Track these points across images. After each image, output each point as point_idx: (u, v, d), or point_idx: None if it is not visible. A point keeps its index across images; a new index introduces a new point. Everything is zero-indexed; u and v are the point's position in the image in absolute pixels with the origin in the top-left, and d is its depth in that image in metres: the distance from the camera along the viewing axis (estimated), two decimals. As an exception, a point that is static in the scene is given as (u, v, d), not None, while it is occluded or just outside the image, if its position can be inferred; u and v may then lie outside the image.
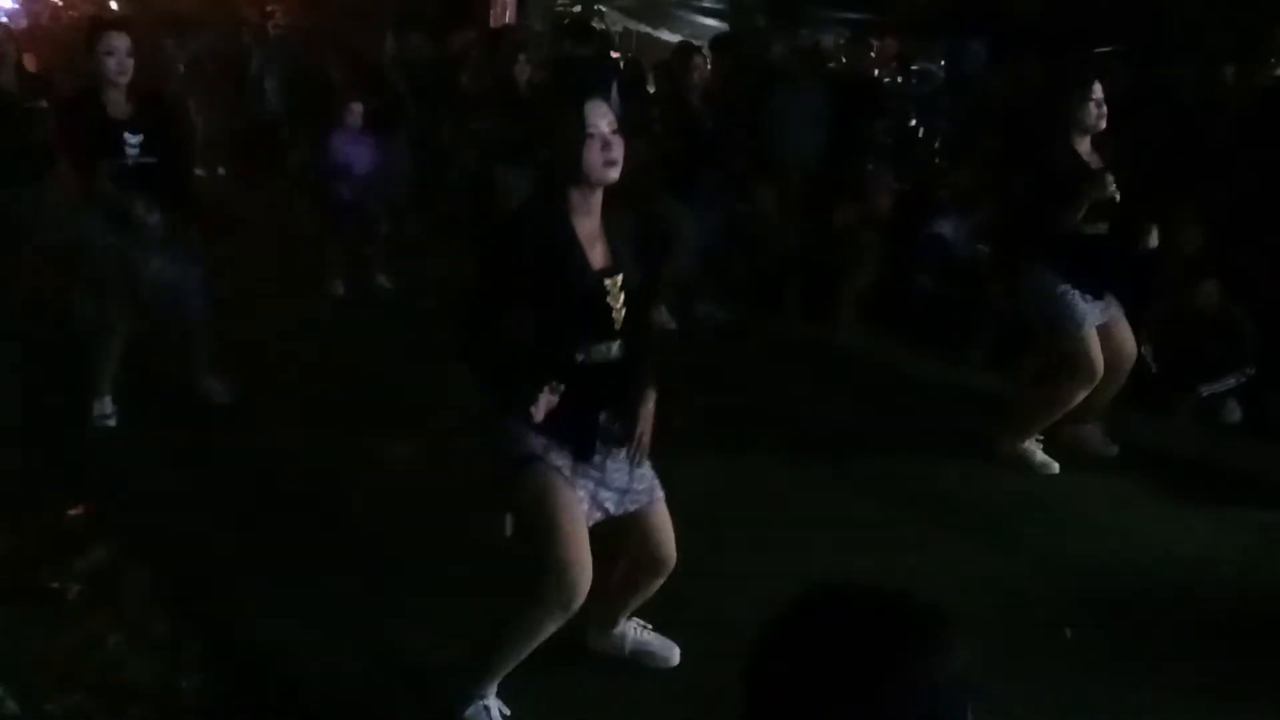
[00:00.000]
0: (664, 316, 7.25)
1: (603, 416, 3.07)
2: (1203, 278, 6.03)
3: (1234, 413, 5.93)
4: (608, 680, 3.47)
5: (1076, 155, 4.95)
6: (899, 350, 7.00)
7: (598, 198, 3.02)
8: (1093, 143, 5.00)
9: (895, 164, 8.05)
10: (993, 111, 7.89)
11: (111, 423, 5.36)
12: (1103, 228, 4.98)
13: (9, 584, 3.85)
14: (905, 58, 10.54)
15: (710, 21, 14.74)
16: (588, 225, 3.01)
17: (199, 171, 11.76)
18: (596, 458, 3.07)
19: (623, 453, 3.12)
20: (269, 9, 14.23)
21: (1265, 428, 5.82)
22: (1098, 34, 8.57)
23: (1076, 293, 5.00)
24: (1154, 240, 5.19)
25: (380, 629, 3.72)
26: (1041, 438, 5.29)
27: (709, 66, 8.52)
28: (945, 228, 7.32)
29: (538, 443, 2.98)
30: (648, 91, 9.57)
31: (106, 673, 3.42)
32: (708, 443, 5.41)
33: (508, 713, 3.22)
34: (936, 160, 9.08)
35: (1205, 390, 5.93)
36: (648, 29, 15.91)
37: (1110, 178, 4.85)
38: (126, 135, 5.11)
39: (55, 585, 3.83)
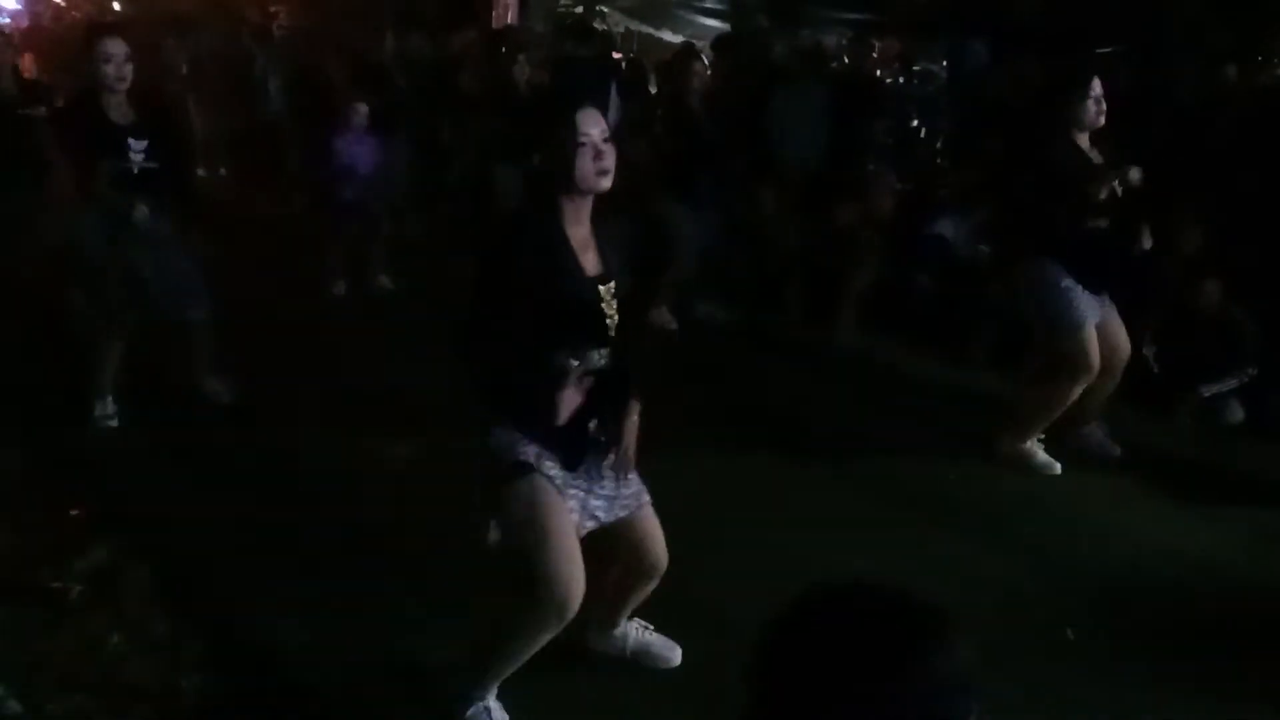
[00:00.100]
0: (665, 317, 7.26)
1: (592, 424, 3.07)
2: (1204, 278, 6.03)
3: (1236, 413, 5.93)
4: (608, 680, 3.47)
5: (1079, 151, 4.95)
6: (899, 350, 7.00)
7: (588, 205, 3.02)
8: (1091, 140, 5.00)
9: (896, 164, 8.05)
10: (993, 112, 7.88)
11: (113, 422, 5.37)
12: (1103, 224, 4.98)
13: (10, 584, 3.86)
14: (907, 58, 10.54)
15: (712, 22, 14.73)
16: (579, 232, 3.02)
17: (201, 172, 11.79)
18: (585, 466, 3.08)
19: (607, 460, 3.13)
20: (272, 9, 14.25)
21: (1267, 428, 5.81)
22: (1098, 34, 8.55)
23: (1079, 289, 5.00)
24: (1147, 240, 5.19)
25: (380, 629, 3.72)
26: (1043, 437, 5.29)
27: (709, 68, 8.53)
28: (946, 228, 7.32)
29: (530, 450, 2.98)
30: (649, 92, 9.57)
31: (107, 673, 3.43)
32: (708, 443, 5.42)
33: (508, 714, 3.21)
34: (938, 160, 9.08)
35: (1207, 391, 5.92)
36: (649, 29, 15.91)
37: (1112, 174, 4.86)
38: (131, 141, 5.12)
39: (56, 585, 3.84)
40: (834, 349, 7.10)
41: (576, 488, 3.07)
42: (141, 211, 5.10)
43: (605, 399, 3.08)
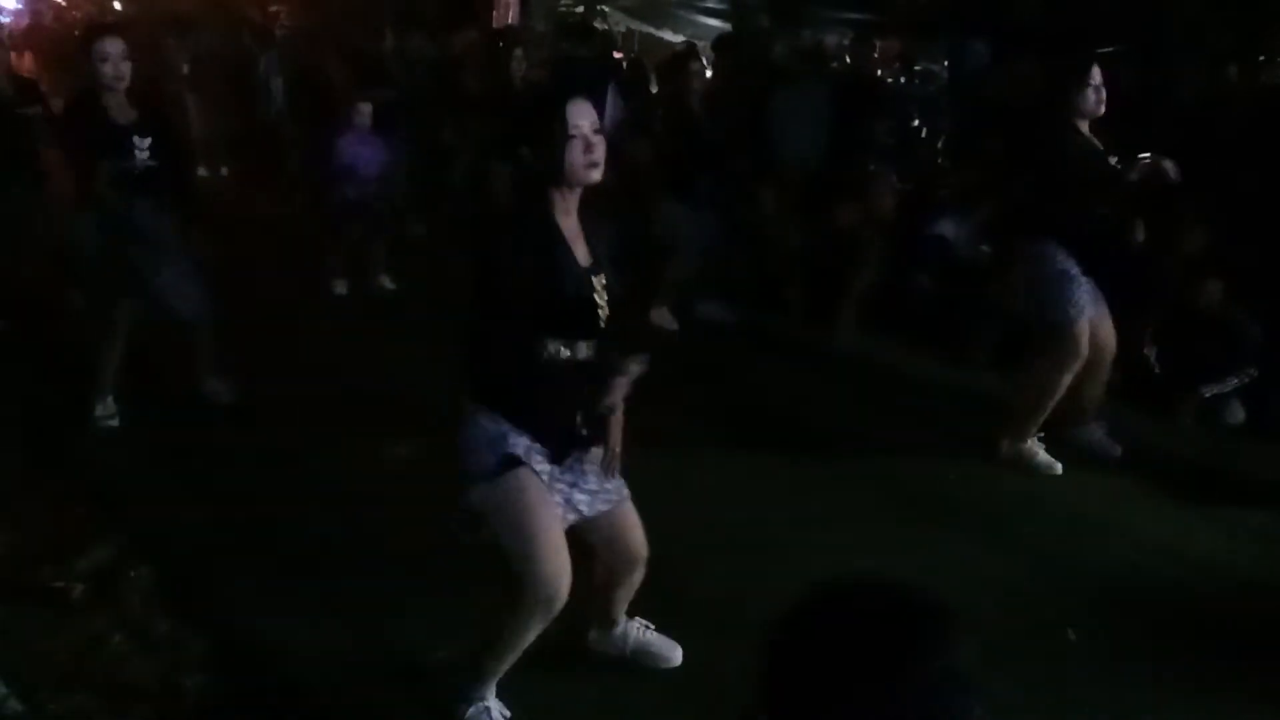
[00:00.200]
0: (665, 317, 7.26)
1: (579, 418, 3.08)
2: (1205, 278, 6.02)
3: (1237, 414, 5.93)
4: (609, 681, 3.47)
5: (1083, 135, 4.95)
6: (900, 350, 7.00)
7: (578, 197, 3.03)
8: (1090, 130, 5.00)
9: (897, 164, 8.05)
10: (994, 112, 7.88)
11: (114, 422, 5.37)
12: (1104, 211, 5.00)
13: (11, 583, 3.86)
14: (908, 58, 10.54)
15: (713, 22, 14.74)
16: (569, 224, 3.02)
17: (202, 172, 11.80)
18: (570, 461, 3.09)
19: (592, 455, 3.14)
20: (274, 9, 14.25)
21: (1268, 429, 5.81)
22: (1099, 34, 8.55)
23: (1081, 279, 5.00)
24: (1140, 233, 5.20)
25: (380, 629, 3.72)
26: (1043, 436, 5.29)
27: (709, 68, 8.53)
28: (946, 228, 7.32)
29: (520, 444, 2.98)
30: (650, 92, 9.57)
31: (109, 672, 3.43)
32: (708, 443, 5.43)
33: (508, 714, 3.22)
34: (939, 161, 9.08)
35: (1208, 391, 5.92)
36: (650, 29, 15.92)
37: (1115, 159, 4.88)
38: (134, 139, 5.13)
39: (58, 585, 3.84)
40: (834, 349, 7.10)
41: (563, 482, 3.09)
42: (144, 211, 5.11)
43: (596, 390, 3.08)
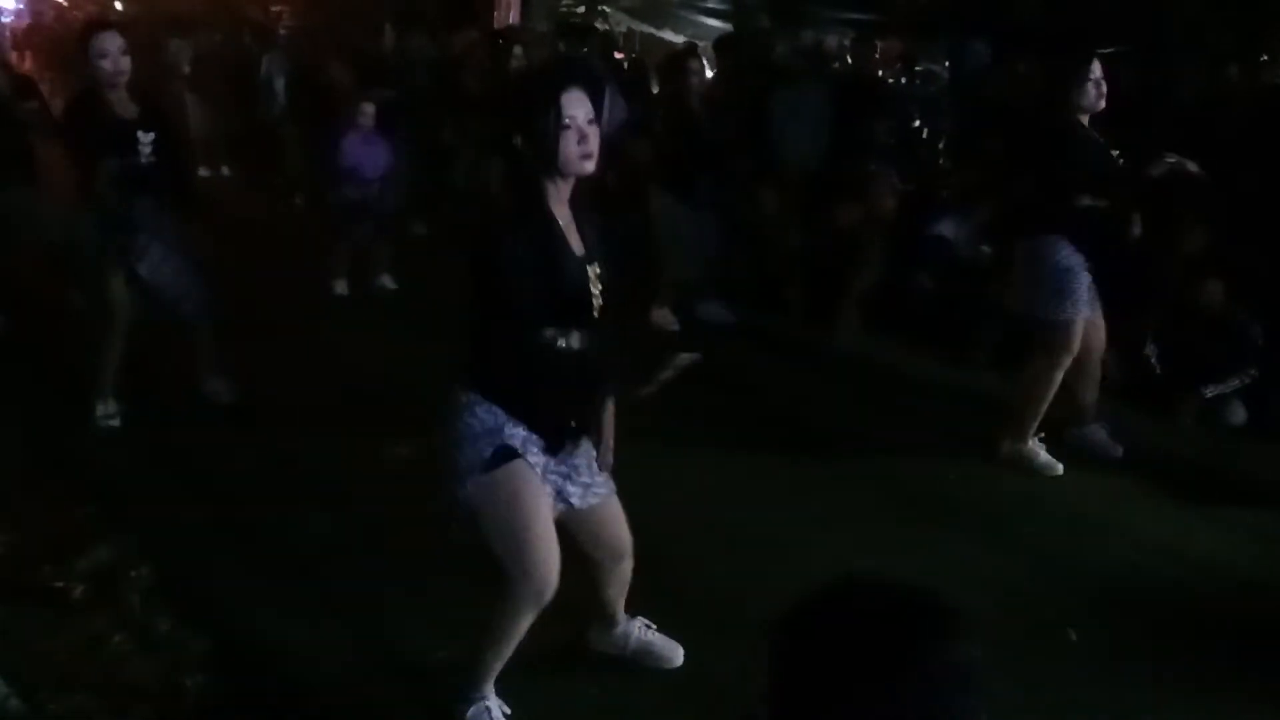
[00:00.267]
0: (666, 318, 7.26)
1: (575, 407, 3.09)
2: (1207, 278, 6.02)
3: (1238, 414, 5.92)
4: (609, 681, 3.47)
5: (1085, 130, 4.95)
6: (901, 351, 6.99)
7: (570, 187, 3.01)
8: (1092, 126, 5.00)
9: (898, 164, 8.05)
10: (995, 112, 7.89)
11: (115, 423, 5.37)
12: (1104, 203, 5.01)
13: (12, 583, 3.86)
14: (909, 58, 10.55)
15: (714, 22, 14.77)
16: (562, 214, 3.01)
17: (204, 172, 11.81)
18: (563, 454, 3.09)
19: (584, 447, 3.15)
20: (276, 9, 14.27)
21: (1269, 429, 5.80)
22: (1099, 35, 8.56)
23: (1083, 276, 5.00)
24: (1137, 227, 5.20)
25: (380, 629, 3.72)
26: (1044, 436, 5.29)
27: (709, 67, 8.53)
28: (947, 228, 7.32)
29: (517, 434, 2.98)
30: (651, 92, 9.58)
31: (109, 672, 3.43)
32: (708, 443, 5.43)
33: (508, 711, 3.22)
34: (940, 161, 9.08)
35: (1209, 392, 5.91)
36: (651, 29, 15.94)
37: (1116, 153, 4.89)
38: (139, 134, 5.13)
39: (58, 584, 3.84)
40: (835, 349, 7.10)
41: (556, 474, 3.10)
42: (147, 208, 5.12)
43: (590, 381, 3.10)
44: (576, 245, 3.02)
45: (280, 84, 11.71)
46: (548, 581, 3.01)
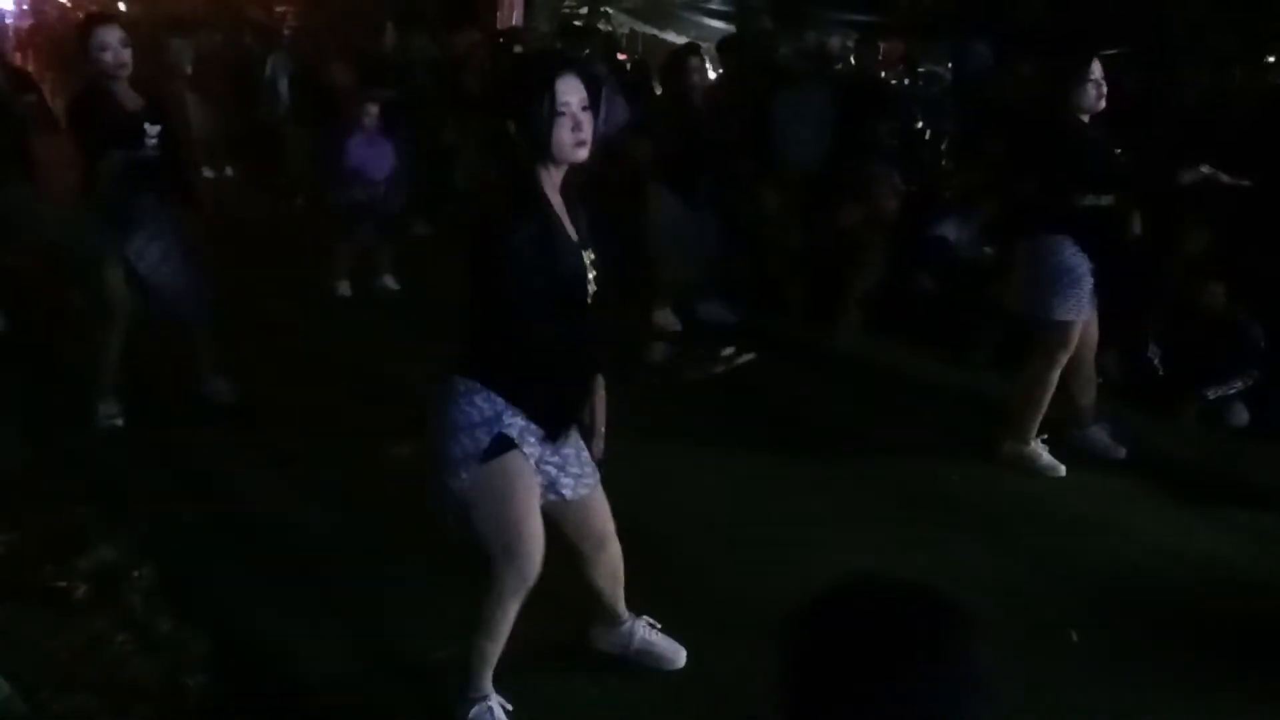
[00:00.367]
0: (668, 318, 7.26)
1: (572, 394, 3.11)
2: (1208, 280, 6.02)
3: (1239, 416, 5.91)
4: (610, 681, 3.47)
5: (1086, 129, 4.94)
6: (902, 351, 6.99)
7: (562, 174, 3.00)
8: (1093, 124, 5.00)
9: (900, 165, 8.05)
10: (997, 113, 7.89)
11: (117, 422, 5.38)
12: (1107, 201, 5.01)
13: (13, 583, 3.87)
14: (911, 60, 10.55)
15: (716, 23, 14.77)
16: (556, 202, 3.00)
17: (207, 172, 11.82)
18: (558, 444, 3.10)
19: (574, 437, 3.16)
20: (280, 9, 14.27)
21: (1270, 431, 5.80)
22: (1101, 35, 8.56)
23: (1087, 279, 5.01)
24: (1136, 225, 5.20)
25: (380, 629, 3.73)
26: (1046, 438, 5.29)
27: (710, 67, 8.53)
28: (948, 229, 7.32)
29: (514, 425, 2.98)
30: (653, 93, 9.58)
31: (110, 672, 3.43)
32: (708, 442, 5.43)
33: (510, 708, 3.22)
34: (943, 162, 9.08)
35: (1211, 393, 5.91)
36: (654, 31, 15.95)
37: (1117, 150, 4.90)
38: (146, 126, 5.14)
39: (59, 584, 3.84)
40: (836, 349, 7.10)
41: (550, 465, 3.11)
42: (152, 203, 5.12)
43: (582, 369, 3.11)
44: (571, 232, 3.02)
45: (284, 84, 11.72)
46: (532, 570, 3.05)
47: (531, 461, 3.03)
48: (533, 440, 3.02)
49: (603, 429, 3.23)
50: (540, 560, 3.05)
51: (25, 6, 19.57)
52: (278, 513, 4.58)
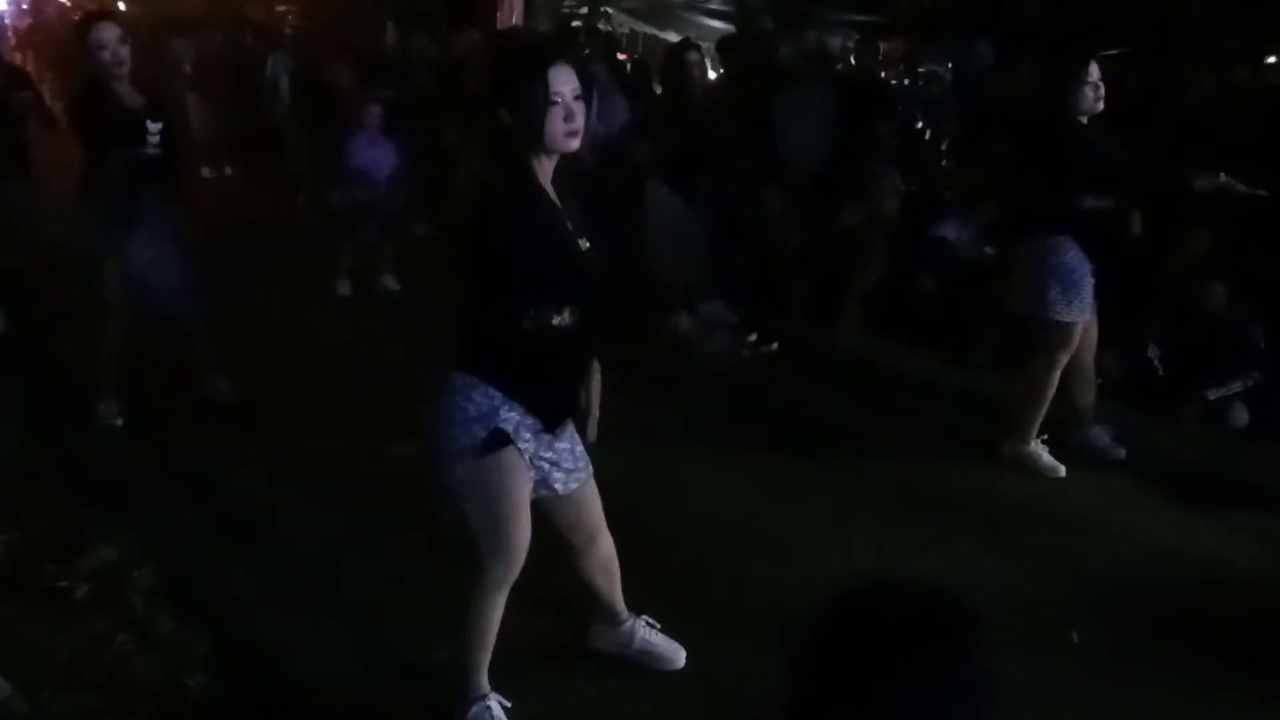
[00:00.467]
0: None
1: (570, 383, 3.12)
2: (1209, 280, 6.02)
3: (1240, 417, 5.91)
4: (609, 681, 3.47)
5: (1085, 131, 4.94)
6: (903, 352, 6.99)
7: (554, 164, 2.98)
8: (1095, 125, 5.00)
9: (901, 166, 8.05)
10: (997, 113, 7.89)
11: (118, 422, 5.38)
12: (1107, 203, 5.01)
13: (14, 583, 3.87)
14: (912, 60, 10.55)
15: (717, 23, 14.76)
16: (550, 191, 2.99)
17: (206, 172, 11.82)
18: (550, 435, 3.09)
19: (569, 431, 3.16)
20: (283, 10, 14.27)
21: (1271, 432, 5.80)
22: (1103, 35, 8.56)
23: (1089, 281, 5.01)
24: (1137, 225, 5.20)
25: (380, 629, 3.73)
26: (1047, 438, 5.29)
27: (707, 64, 8.53)
28: (949, 230, 7.32)
29: (510, 419, 2.98)
30: (653, 93, 9.58)
31: (111, 671, 3.43)
32: (709, 442, 5.44)
33: (508, 704, 3.23)
34: (943, 162, 9.09)
35: (1211, 394, 5.91)
36: (654, 31, 15.93)
37: (1120, 151, 4.92)
38: (148, 124, 5.13)
39: (61, 584, 3.84)
40: (837, 349, 7.10)
41: (544, 460, 3.11)
42: (153, 199, 5.13)
43: (579, 358, 3.12)
44: (567, 222, 3.01)
45: (285, 84, 11.71)
46: (517, 563, 3.08)
47: (526, 457, 3.03)
48: (528, 436, 3.02)
49: (597, 411, 3.23)
50: (524, 554, 3.07)
51: (25, 6, 19.56)
52: (278, 513, 4.59)
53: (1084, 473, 5.20)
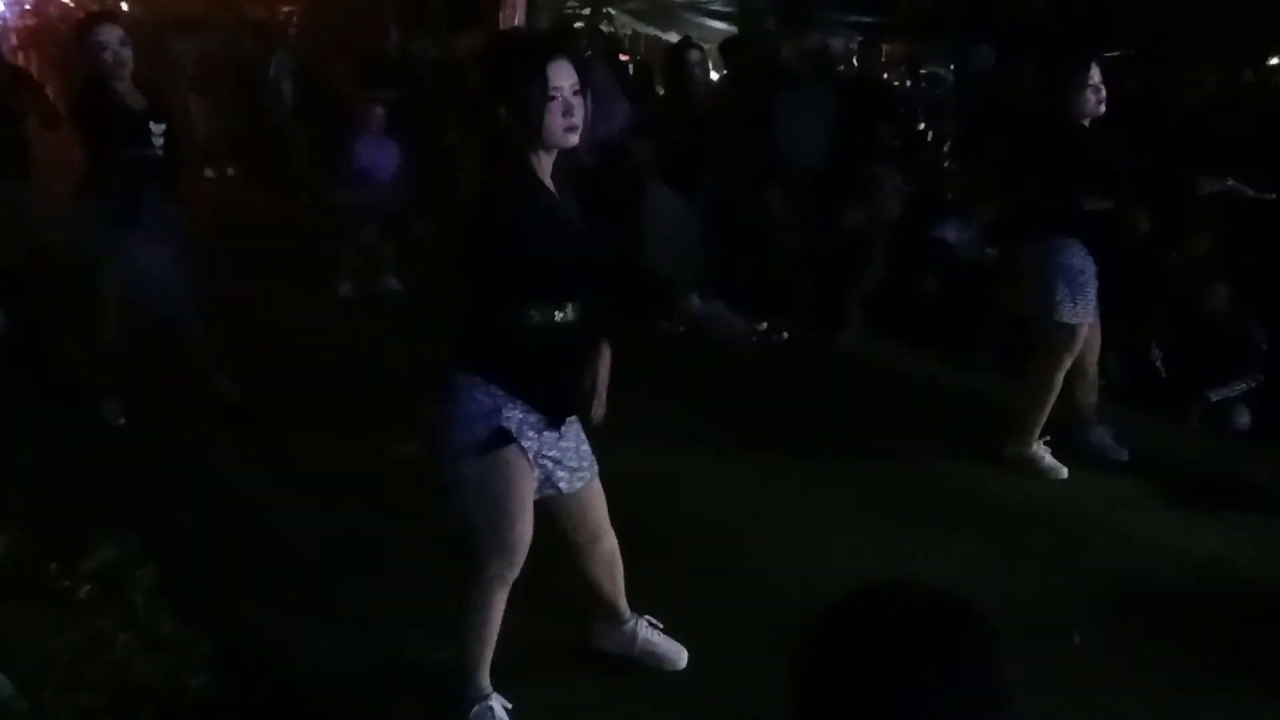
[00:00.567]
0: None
1: (569, 381, 3.11)
2: (1212, 282, 6.02)
3: (1242, 418, 5.91)
4: (610, 681, 3.48)
5: (1087, 132, 4.94)
6: (904, 352, 7.00)
7: (553, 159, 2.98)
8: (1099, 125, 5.00)
9: (903, 166, 8.05)
10: (999, 114, 7.89)
11: (120, 421, 5.38)
12: (1107, 204, 5.01)
13: (16, 583, 3.87)
14: (914, 61, 10.55)
15: (719, 24, 14.74)
16: (549, 186, 2.99)
17: (208, 173, 11.82)
18: (553, 433, 3.08)
19: (574, 429, 3.16)
20: (286, 10, 14.26)
21: (1272, 434, 5.79)
22: (1105, 37, 8.56)
23: (1093, 283, 5.01)
24: (1144, 223, 5.20)
25: (381, 629, 3.73)
26: (1049, 439, 5.28)
27: (709, 63, 8.54)
28: (949, 231, 7.32)
29: (512, 418, 2.97)
30: (656, 94, 9.59)
31: (113, 672, 3.43)
32: (709, 443, 5.44)
33: (509, 706, 3.22)
34: (945, 163, 9.08)
35: (1213, 395, 5.90)
36: (656, 32, 15.92)
37: (1123, 152, 4.92)
38: (151, 125, 5.13)
39: (62, 584, 3.84)
40: (838, 350, 7.10)
41: (547, 458, 3.10)
42: (150, 202, 5.13)
43: (580, 353, 3.11)
44: (566, 216, 3.01)
45: (287, 85, 11.72)
46: (518, 561, 3.07)
47: (529, 455, 3.03)
48: (531, 434, 3.02)
49: (604, 393, 3.22)
50: (524, 553, 3.07)
51: (27, 6, 19.58)
52: (278, 513, 4.59)
53: (1085, 473, 5.20)
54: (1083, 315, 5.04)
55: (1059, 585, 4.23)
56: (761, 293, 7.80)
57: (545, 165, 2.97)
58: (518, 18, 14.61)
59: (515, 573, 3.10)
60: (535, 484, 3.09)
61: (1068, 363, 5.11)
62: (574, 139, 2.92)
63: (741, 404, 6.03)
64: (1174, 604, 4.13)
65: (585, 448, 3.23)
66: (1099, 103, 4.89)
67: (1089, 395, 5.39)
